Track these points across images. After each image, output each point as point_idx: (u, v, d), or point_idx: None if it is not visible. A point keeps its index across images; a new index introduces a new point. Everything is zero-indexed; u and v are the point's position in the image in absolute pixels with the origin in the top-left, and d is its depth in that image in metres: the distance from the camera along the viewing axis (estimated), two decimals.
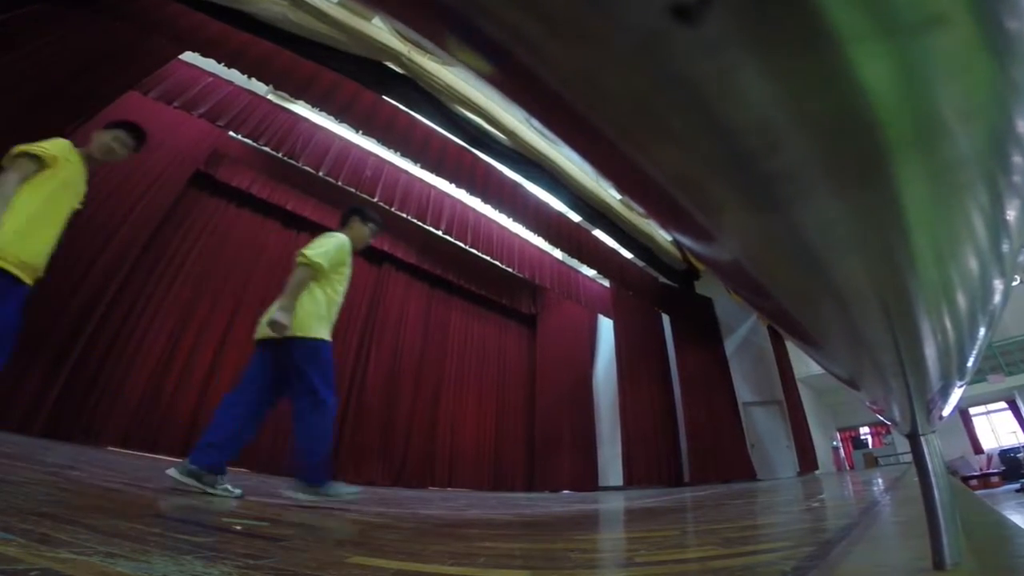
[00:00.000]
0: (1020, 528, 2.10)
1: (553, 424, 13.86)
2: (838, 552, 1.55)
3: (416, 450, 11.39)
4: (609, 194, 11.47)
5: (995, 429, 18.55)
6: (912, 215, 0.33)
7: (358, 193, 10.07)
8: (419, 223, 11.17)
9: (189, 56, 7.71)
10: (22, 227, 3.11)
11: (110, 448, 7.06)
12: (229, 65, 7.31)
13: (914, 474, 1.13)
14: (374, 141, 9.07)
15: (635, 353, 13.35)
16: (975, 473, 15.22)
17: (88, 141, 3.69)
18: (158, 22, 6.56)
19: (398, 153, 9.17)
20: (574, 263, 13.61)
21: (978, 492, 10.13)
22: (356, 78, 8.18)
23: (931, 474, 1.05)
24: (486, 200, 10.20)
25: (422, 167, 9.43)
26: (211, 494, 3.27)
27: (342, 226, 4.30)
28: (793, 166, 0.29)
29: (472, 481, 12.07)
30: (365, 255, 11.81)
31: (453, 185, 9.95)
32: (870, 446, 20.79)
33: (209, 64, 7.74)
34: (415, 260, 12.59)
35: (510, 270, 12.85)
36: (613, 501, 6.96)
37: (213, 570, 1.16)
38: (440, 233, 11.45)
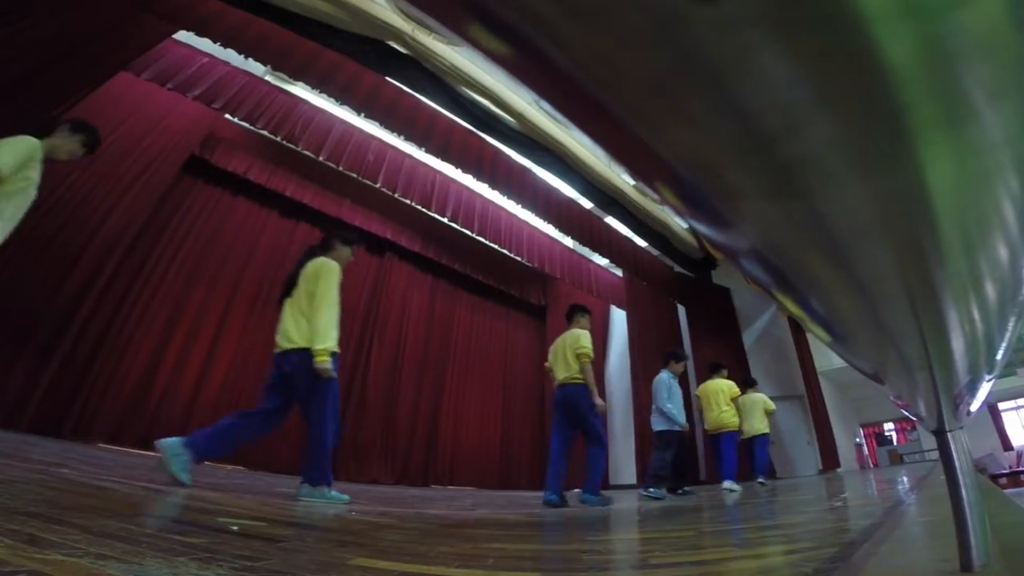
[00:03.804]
0: None
1: None
2: (861, 554, 1.55)
3: (420, 447, 11.41)
4: (622, 180, 11.43)
5: None
6: (939, 201, 0.33)
7: (360, 178, 10.07)
8: (423, 210, 11.16)
9: (183, 35, 7.71)
10: None
11: (100, 445, 7.11)
12: (225, 45, 7.30)
13: (940, 472, 1.13)
14: (377, 124, 9.07)
15: (649, 345, 13.30)
16: (1004, 471, 15.18)
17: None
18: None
19: (402, 137, 9.14)
20: (586, 252, 13.59)
21: (1007, 491, 10.09)
22: (358, 58, 8.17)
23: (958, 472, 1.05)
24: (494, 186, 10.17)
25: (427, 151, 9.39)
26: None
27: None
28: (815, 150, 0.29)
29: (478, 479, 12.09)
30: (366, 244, 11.85)
31: (459, 170, 9.93)
32: (895, 443, 20.81)
33: (204, 44, 7.73)
34: (419, 249, 12.53)
35: (519, 259, 12.84)
36: (626, 500, 6.98)
37: (208, 572, 1.17)
38: (445, 220, 11.43)
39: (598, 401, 5.95)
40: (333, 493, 4.03)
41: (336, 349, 4.16)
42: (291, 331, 4.14)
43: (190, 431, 3.85)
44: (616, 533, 3.30)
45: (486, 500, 6.67)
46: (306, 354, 4.01)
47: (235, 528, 2.00)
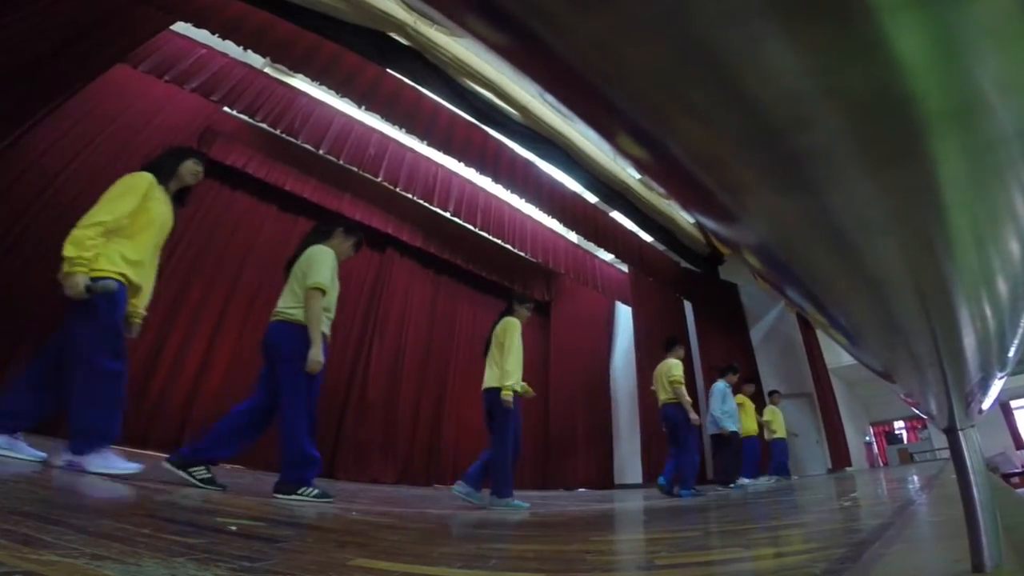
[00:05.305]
0: None
1: (568, 418, 13.81)
2: (871, 554, 1.55)
3: (421, 446, 11.39)
4: (627, 173, 11.38)
5: None
6: (950, 195, 0.33)
7: (361, 172, 10.07)
8: (425, 204, 11.12)
9: (181, 27, 7.68)
10: None
11: None
12: (224, 36, 7.27)
13: (951, 471, 1.13)
14: (378, 117, 9.03)
15: (655, 342, 13.20)
16: (1016, 470, 15.13)
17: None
18: None
19: (403, 130, 9.11)
20: (590, 247, 13.52)
21: (1020, 490, 10.08)
22: (358, 50, 8.13)
23: (970, 471, 1.05)
24: (497, 180, 10.13)
25: (429, 145, 9.37)
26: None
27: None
28: (824, 143, 0.29)
29: None
30: (367, 240, 11.84)
31: (462, 164, 9.88)
32: (905, 441, 20.73)
33: (202, 35, 7.71)
34: (421, 244, 12.50)
35: (522, 254, 12.82)
36: (632, 500, 6.99)
37: (206, 573, 1.18)
38: (448, 215, 11.38)
39: (693, 417, 7.37)
40: (516, 502, 5.19)
41: (516, 388, 5.37)
42: (488, 375, 5.51)
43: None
44: (621, 533, 3.30)
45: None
46: (497, 392, 5.30)
47: (234, 528, 2.01)
